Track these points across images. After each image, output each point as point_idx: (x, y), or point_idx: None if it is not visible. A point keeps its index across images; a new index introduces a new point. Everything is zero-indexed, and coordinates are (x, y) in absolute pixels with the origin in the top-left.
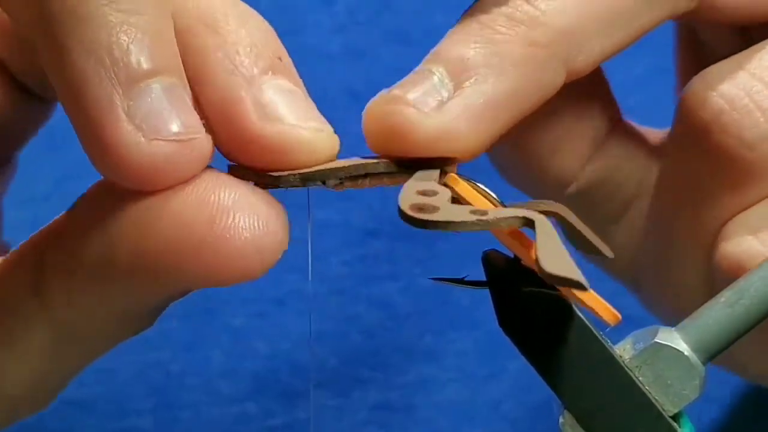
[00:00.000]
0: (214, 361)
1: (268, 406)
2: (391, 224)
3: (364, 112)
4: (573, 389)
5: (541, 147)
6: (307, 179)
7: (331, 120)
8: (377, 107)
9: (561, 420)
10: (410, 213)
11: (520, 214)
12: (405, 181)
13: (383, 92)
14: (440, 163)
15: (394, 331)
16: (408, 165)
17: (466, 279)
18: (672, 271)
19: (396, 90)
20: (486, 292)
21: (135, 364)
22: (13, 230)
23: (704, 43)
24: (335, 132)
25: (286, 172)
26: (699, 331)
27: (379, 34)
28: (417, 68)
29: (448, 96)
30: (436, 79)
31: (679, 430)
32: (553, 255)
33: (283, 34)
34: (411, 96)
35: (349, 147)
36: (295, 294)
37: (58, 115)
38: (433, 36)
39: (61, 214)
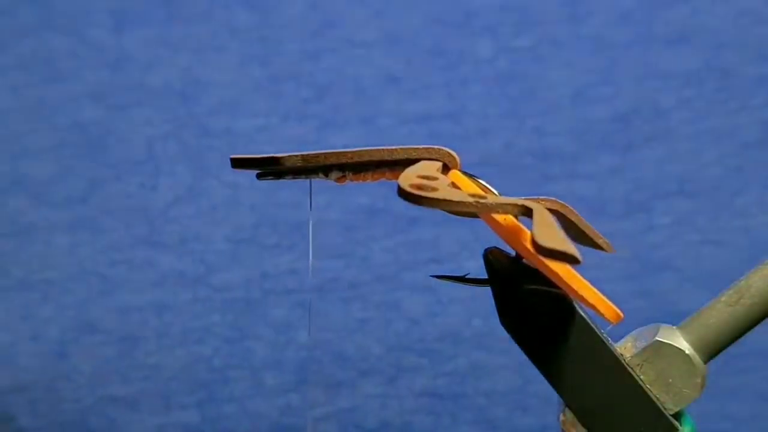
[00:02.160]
0: (257, 354)
1: (312, 396)
2: (434, 212)
3: None
4: (573, 387)
5: None
6: (308, 162)
7: (368, 104)
8: None
9: (561, 417)
10: (408, 189)
11: (519, 202)
12: None
13: None
14: (441, 157)
15: (441, 317)
16: (411, 160)
17: (467, 277)
18: None
19: None
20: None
21: (179, 359)
22: (49, 231)
23: None
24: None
25: (287, 154)
26: (700, 329)
27: (415, 18)
28: None
29: None
30: None
31: (680, 428)
32: (548, 232)
33: (319, 27)
34: None
35: (385, 129)
36: (336, 282)
37: (90, 115)
38: (471, 18)
39: None
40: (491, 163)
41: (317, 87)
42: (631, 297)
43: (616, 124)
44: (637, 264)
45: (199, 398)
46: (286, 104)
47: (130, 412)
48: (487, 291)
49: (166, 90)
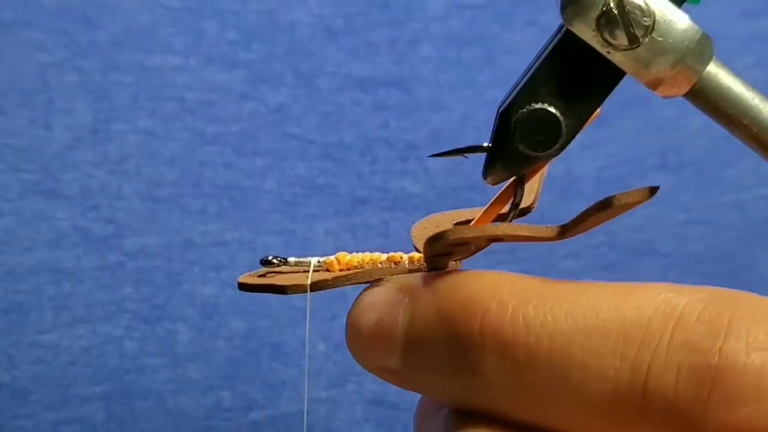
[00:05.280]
0: (180, 339)
1: (248, 395)
2: (382, 192)
3: None
4: None
5: None
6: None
7: (305, 53)
8: None
9: None
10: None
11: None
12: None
13: None
14: None
15: None
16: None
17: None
18: None
19: None
20: None
21: (81, 339)
22: None
23: None
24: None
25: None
26: None
27: None
28: None
29: None
30: None
31: None
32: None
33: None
34: None
35: (327, 93)
36: None
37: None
38: None
39: None
40: (444, 141)
41: (244, 30)
42: None
43: None
44: (614, 252)
45: (106, 390)
46: (207, 45)
47: (18, 404)
48: None
49: (62, 10)
